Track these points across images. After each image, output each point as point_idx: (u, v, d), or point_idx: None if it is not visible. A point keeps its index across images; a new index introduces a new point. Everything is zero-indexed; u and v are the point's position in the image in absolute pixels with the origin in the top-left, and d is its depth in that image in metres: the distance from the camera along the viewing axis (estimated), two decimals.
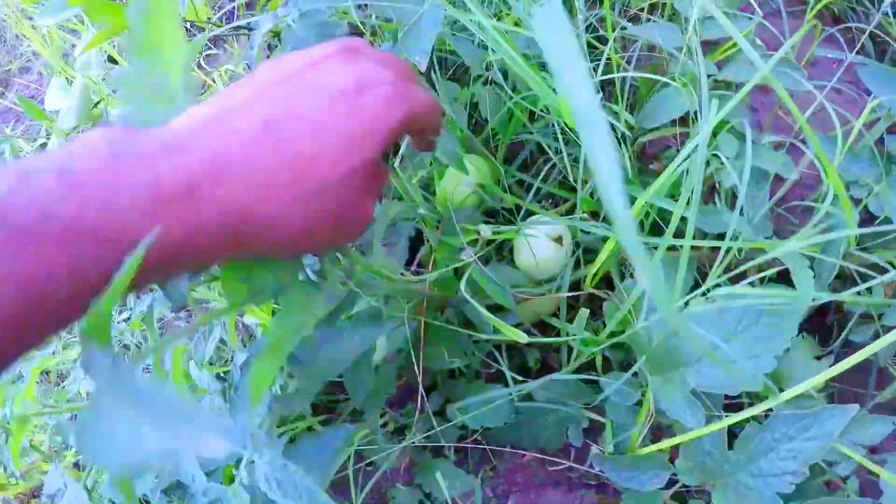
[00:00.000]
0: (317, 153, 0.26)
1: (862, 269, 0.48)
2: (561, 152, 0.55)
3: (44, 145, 0.79)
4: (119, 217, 0.21)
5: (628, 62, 0.58)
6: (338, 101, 0.27)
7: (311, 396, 0.45)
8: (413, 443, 0.57)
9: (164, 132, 0.25)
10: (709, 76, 0.51)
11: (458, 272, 0.50)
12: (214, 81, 0.93)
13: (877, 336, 0.59)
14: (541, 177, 0.58)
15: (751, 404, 0.52)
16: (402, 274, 0.45)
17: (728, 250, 0.42)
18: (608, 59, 0.51)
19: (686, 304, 0.44)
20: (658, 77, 0.48)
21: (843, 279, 0.54)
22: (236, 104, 0.27)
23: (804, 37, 0.58)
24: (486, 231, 0.46)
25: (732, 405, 0.52)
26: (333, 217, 0.28)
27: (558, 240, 0.54)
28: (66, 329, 0.23)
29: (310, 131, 0.26)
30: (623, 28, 0.54)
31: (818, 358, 0.55)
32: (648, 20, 0.61)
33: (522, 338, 0.40)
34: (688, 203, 0.43)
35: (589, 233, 0.57)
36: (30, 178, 0.21)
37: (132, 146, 0.23)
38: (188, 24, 0.90)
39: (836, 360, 0.54)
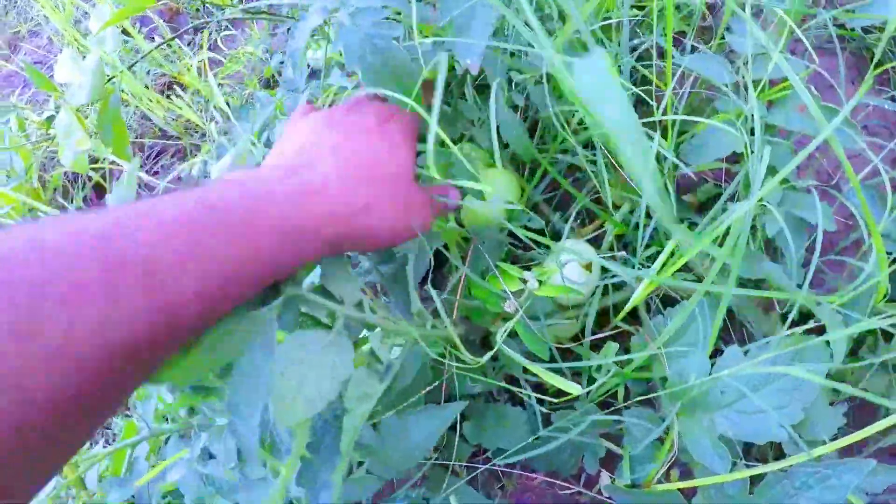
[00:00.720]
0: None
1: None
2: (601, 176, 0.55)
3: (51, 118, 0.76)
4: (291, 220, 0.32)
5: (675, 92, 0.57)
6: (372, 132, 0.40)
7: (382, 482, 0.46)
8: (426, 457, 0.56)
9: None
10: None
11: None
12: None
13: (890, 385, 0.60)
14: (576, 206, 0.57)
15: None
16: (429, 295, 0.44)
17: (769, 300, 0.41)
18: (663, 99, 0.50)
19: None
20: (710, 121, 0.47)
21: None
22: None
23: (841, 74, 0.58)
24: (534, 283, 0.45)
25: (750, 446, 0.52)
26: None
27: (587, 266, 0.54)
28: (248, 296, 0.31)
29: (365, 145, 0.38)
30: (672, 58, 0.53)
31: (831, 403, 0.56)
32: (693, 48, 0.60)
33: (576, 390, 0.39)
34: (732, 251, 0.43)
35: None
36: (243, 188, 0.31)
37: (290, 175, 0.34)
38: (205, 4, 0.87)
39: (850, 408, 0.56)
